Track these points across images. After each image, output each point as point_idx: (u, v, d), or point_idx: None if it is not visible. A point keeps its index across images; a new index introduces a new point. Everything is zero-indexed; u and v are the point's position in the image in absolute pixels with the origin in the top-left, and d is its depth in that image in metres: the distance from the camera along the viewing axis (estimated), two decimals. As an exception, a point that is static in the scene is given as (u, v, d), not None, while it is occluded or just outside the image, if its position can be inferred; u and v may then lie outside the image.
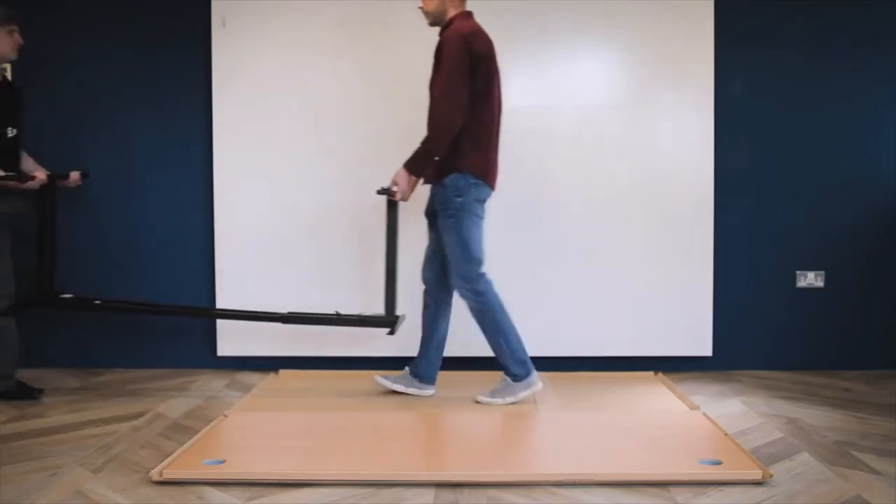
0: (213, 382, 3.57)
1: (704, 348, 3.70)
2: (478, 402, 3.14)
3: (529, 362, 3.15)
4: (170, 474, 2.35)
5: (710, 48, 3.63)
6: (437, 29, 3.14)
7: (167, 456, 2.52)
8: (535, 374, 3.15)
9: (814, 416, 3.01)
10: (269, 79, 3.69)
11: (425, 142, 3.03)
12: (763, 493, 2.25)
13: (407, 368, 3.31)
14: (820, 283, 3.73)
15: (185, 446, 2.60)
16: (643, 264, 3.67)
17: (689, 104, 3.65)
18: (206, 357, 3.80)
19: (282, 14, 3.67)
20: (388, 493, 2.26)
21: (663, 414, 3.03)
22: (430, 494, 2.25)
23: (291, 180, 3.71)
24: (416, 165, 3.05)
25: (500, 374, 3.17)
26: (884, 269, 3.74)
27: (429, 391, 3.26)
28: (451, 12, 3.09)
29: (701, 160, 3.66)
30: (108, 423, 2.95)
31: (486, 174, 3.09)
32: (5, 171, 3.13)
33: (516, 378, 3.13)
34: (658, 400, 3.23)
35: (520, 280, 3.67)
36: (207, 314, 3.61)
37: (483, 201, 3.13)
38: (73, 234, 3.78)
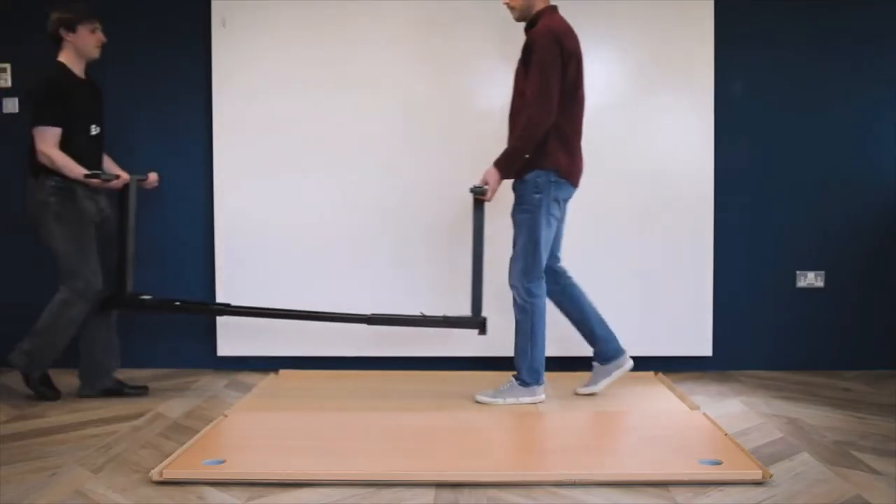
0: (213, 382, 3.57)
1: (704, 348, 3.70)
2: (477, 402, 3.16)
3: (542, 375, 3.16)
4: (170, 474, 2.35)
5: (710, 48, 3.63)
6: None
7: (167, 456, 2.52)
8: (542, 387, 3.17)
9: (814, 416, 3.01)
10: (269, 79, 3.69)
11: (515, 140, 3.02)
12: (763, 493, 2.25)
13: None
14: (820, 283, 3.73)
15: (185, 446, 2.60)
16: (643, 264, 3.67)
17: (689, 104, 3.65)
18: (206, 357, 3.80)
19: (282, 14, 3.67)
20: (388, 493, 2.26)
21: (663, 414, 3.03)
22: (430, 494, 2.25)
23: (291, 180, 3.71)
24: (507, 164, 3.04)
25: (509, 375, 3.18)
26: (884, 269, 3.74)
27: (628, 364, 3.26)
28: (539, 5, 3.09)
29: (701, 160, 3.66)
30: (108, 423, 2.95)
31: (570, 173, 3.08)
32: (89, 170, 3.15)
33: (524, 384, 3.15)
34: (658, 400, 3.23)
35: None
36: (287, 315, 3.39)
37: (563, 201, 3.14)
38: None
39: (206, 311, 3.62)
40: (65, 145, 3.12)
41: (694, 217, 3.66)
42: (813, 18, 3.70)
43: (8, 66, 3.77)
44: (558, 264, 3.26)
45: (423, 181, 3.69)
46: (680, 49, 3.64)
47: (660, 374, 3.64)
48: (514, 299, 3.15)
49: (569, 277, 3.27)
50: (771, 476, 2.33)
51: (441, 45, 3.65)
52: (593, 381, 3.27)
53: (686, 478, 2.33)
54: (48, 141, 3.10)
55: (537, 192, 3.03)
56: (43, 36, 3.61)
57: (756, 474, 2.33)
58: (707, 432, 2.75)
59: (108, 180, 3.19)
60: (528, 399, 3.14)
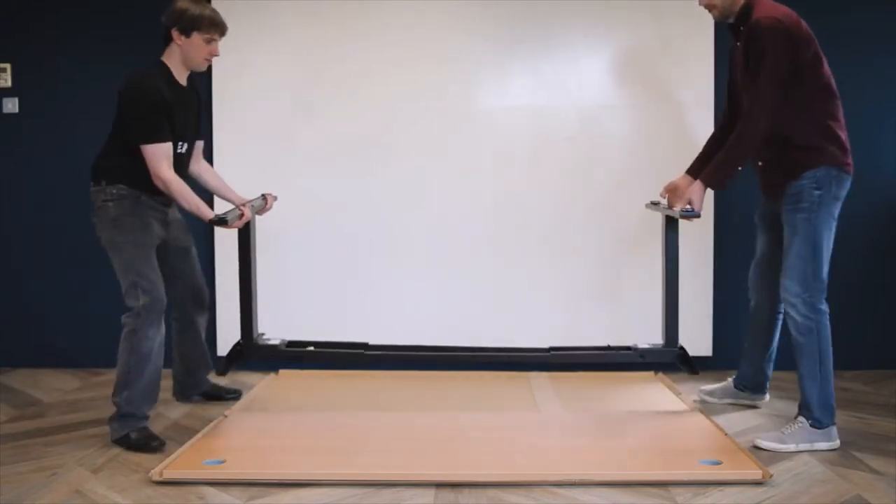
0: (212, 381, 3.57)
1: (704, 348, 3.70)
2: (759, 448, 2.63)
3: (835, 412, 2.69)
4: (170, 474, 2.36)
5: (711, 48, 3.62)
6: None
7: (167, 456, 2.52)
8: (836, 429, 2.69)
9: (814, 416, 3.01)
10: (269, 79, 3.68)
11: (731, 149, 2.69)
12: (763, 493, 2.25)
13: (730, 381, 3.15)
14: (820, 283, 3.73)
15: (185, 446, 2.60)
16: (643, 264, 3.67)
17: (689, 104, 3.65)
18: (206, 357, 3.80)
19: (282, 14, 3.67)
20: (388, 493, 2.26)
21: (663, 414, 3.03)
22: (430, 494, 2.25)
23: (291, 180, 3.71)
24: (719, 177, 2.74)
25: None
26: (884, 269, 3.74)
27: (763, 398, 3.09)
28: None
29: (701, 160, 3.66)
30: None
31: (846, 164, 2.70)
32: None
33: (817, 424, 2.65)
34: (658, 400, 3.23)
35: (519, 280, 3.67)
36: (436, 357, 2.96)
37: (841, 200, 2.72)
38: (71, 233, 3.78)
39: (342, 356, 3.07)
40: (142, 163, 2.71)
41: (694, 217, 3.66)
42: (813, 18, 3.68)
43: (8, 66, 3.77)
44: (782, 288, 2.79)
45: (431, 182, 3.68)
46: (680, 49, 3.64)
47: (660, 374, 3.64)
48: (790, 318, 2.72)
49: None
50: (771, 476, 2.33)
51: (445, 43, 3.65)
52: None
53: (686, 478, 2.33)
54: (163, 162, 2.70)
55: (817, 188, 2.63)
56: (43, 36, 3.61)
57: (756, 474, 2.33)
58: (707, 432, 2.75)
59: (234, 221, 2.82)
60: (824, 445, 2.63)
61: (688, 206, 2.78)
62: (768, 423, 2.90)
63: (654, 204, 3.13)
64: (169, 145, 2.73)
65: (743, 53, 2.70)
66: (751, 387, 3.10)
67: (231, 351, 2.95)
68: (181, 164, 2.86)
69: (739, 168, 2.71)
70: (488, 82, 3.67)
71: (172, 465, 2.42)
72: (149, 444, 2.65)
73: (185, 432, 2.82)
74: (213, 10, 2.79)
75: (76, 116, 3.77)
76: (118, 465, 2.50)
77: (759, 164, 2.84)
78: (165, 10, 2.79)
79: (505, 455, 2.57)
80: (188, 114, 2.86)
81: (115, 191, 2.75)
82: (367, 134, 3.69)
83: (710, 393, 3.20)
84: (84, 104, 3.76)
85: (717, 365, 3.72)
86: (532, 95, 3.66)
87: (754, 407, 3.10)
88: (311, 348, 2.96)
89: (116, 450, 2.64)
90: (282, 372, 3.72)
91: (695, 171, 3.01)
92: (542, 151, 3.67)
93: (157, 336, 2.74)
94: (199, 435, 2.71)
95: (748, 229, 3.71)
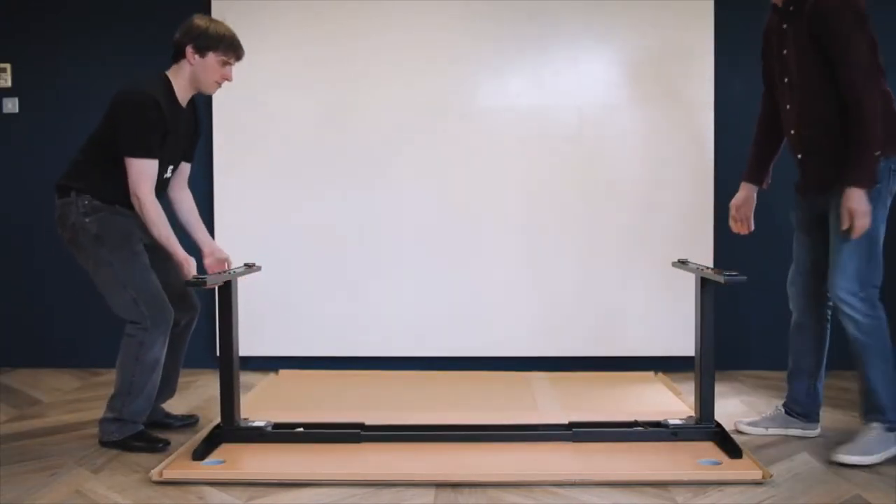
0: (213, 382, 3.57)
1: (704, 348, 3.70)
2: (837, 463, 2.45)
3: None
4: (170, 474, 2.35)
5: (711, 48, 3.63)
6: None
7: (167, 456, 2.52)
8: None
9: (814, 416, 3.01)
10: (269, 78, 3.69)
11: (862, 140, 2.39)
12: (763, 493, 2.25)
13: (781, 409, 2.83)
14: (820, 283, 3.72)
15: (185, 446, 2.60)
16: (643, 264, 3.67)
17: (689, 104, 3.65)
18: (206, 357, 3.80)
19: (282, 14, 3.67)
20: (388, 493, 2.26)
21: (663, 414, 3.02)
22: (430, 494, 2.25)
23: (291, 180, 3.71)
24: (869, 173, 2.40)
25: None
26: (884, 270, 3.72)
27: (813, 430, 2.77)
28: None
29: (701, 160, 3.66)
30: (108, 423, 2.94)
31: None
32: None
33: (894, 427, 2.49)
34: (658, 400, 3.23)
35: (519, 280, 3.68)
36: (462, 437, 2.64)
37: (893, 195, 2.52)
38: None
39: (336, 436, 2.66)
40: (121, 173, 2.54)
41: (694, 217, 3.66)
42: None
43: (8, 66, 3.77)
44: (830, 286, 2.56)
45: (431, 182, 3.68)
46: (680, 49, 3.64)
47: (660, 374, 3.64)
48: (848, 319, 2.50)
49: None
50: (771, 476, 2.33)
51: (445, 43, 3.65)
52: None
53: (686, 478, 2.33)
54: (147, 181, 2.52)
55: (876, 181, 2.42)
56: (43, 36, 3.61)
57: (756, 474, 2.33)
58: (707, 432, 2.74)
59: (213, 283, 2.48)
60: None
61: (734, 272, 2.46)
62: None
63: (682, 262, 2.81)
64: (155, 164, 2.55)
65: (808, 34, 2.44)
66: (804, 412, 2.78)
67: (210, 434, 2.62)
68: (161, 188, 2.67)
69: (878, 153, 2.40)
70: (488, 82, 3.67)
71: (172, 465, 2.42)
72: (154, 445, 2.62)
73: (184, 432, 2.82)
74: (233, 33, 2.64)
75: (76, 116, 3.77)
76: (118, 465, 2.50)
77: (800, 156, 2.61)
78: (181, 25, 2.63)
79: (505, 455, 2.57)
80: (181, 138, 2.70)
81: (86, 202, 2.57)
82: (367, 133, 3.69)
83: (754, 424, 2.82)
84: (84, 104, 3.76)
85: (717, 365, 3.70)
86: (533, 96, 3.66)
87: (804, 437, 2.77)
88: (301, 430, 2.67)
89: (116, 450, 2.63)
90: (282, 372, 3.72)
91: (754, 177, 2.84)
92: (543, 151, 3.68)
93: (164, 346, 2.65)
94: (199, 435, 2.71)
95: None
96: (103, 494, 2.26)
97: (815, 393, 2.77)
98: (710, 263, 3.67)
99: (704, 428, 2.64)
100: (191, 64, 2.62)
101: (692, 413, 2.97)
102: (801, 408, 2.79)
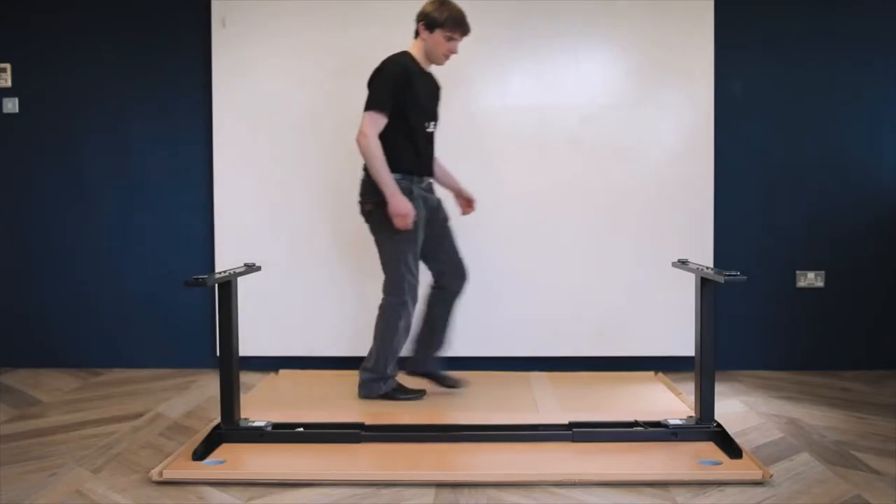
0: (213, 382, 3.57)
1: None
2: None
3: None
4: (170, 474, 2.35)
5: (710, 48, 3.63)
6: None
7: (167, 456, 2.52)
8: None
9: (814, 416, 3.01)
10: (269, 79, 3.69)
11: None
12: (763, 493, 2.25)
13: None
14: (820, 283, 3.73)
15: (185, 446, 2.60)
16: (643, 264, 3.67)
17: (689, 104, 3.65)
18: (206, 357, 3.80)
19: (282, 14, 3.67)
20: (388, 493, 2.26)
21: (663, 414, 3.02)
22: (430, 494, 2.25)
23: (291, 180, 3.71)
24: None
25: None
26: (884, 269, 3.74)
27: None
28: None
29: (701, 160, 3.66)
30: (108, 423, 2.95)
31: None
32: (423, 167, 3.10)
33: None
34: (658, 400, 3.23)
35: (519, 280, 3.67)
36: (461, 437, 2.66)
37: None
38: (70, 233, 3.78)
39: (335, 436, 2.67)
40: (402, 138, 3.02)
41: (694, 217, 3.66)
42: (813, 19, 3.69)
43: (8, 66, 3.77)
44: None
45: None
46: (680, 49, 3.64)
47: (660, 374, 3.64)
48: None
49: None
50: (771, 476, 2.33)
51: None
52: None
53: (686, 478, 2.33)
54: (374, 128, 2.97)
55: None
56: (43, 36, 3.60)
57: (756, 474, 2.33)
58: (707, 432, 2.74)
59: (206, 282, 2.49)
60: None
61: (734, 272, 2.44)
62: (768, 423, 2.90)
63: (682, 262, 2.85)
64: (385, 121, 2.96)
65: None
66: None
67: (210, 433, 2.62)
68: (430, 143, 3.14)
69: None
70: (488, 82, 3.66)
71: (172, 465, 2.42)
72: (417, 394, 3.18)
73: (185, 432, 2.83)
74: (459, 12, 3.06)
75: (76, 116, 3.77)
76: (118, 465, 2.50)
77: None
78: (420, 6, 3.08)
79: (505, 455, 2.57)
80: (433, 97, 3.16)
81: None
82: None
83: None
84: (84, 104, 3.77)
85: (718, 365, 3.71)
86: (533, 96, 3.66)
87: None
88: (301, 429, 2.69)
89: (116, 450, 2.64)
90: (282, 372, 3.72)
91: None
92: (543, 151, 3.67)
93: (411, 314, 3.15)
94: (198, 435, 2.71)
95: (748, 229, 3.73)
96: (103, 494, 2.26)
97: None
98: (710, 263, 3.67)
99: (704, 428, 2.65)
100: (423, 40, 3.09)
101: (692, 413, 2.97)
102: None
